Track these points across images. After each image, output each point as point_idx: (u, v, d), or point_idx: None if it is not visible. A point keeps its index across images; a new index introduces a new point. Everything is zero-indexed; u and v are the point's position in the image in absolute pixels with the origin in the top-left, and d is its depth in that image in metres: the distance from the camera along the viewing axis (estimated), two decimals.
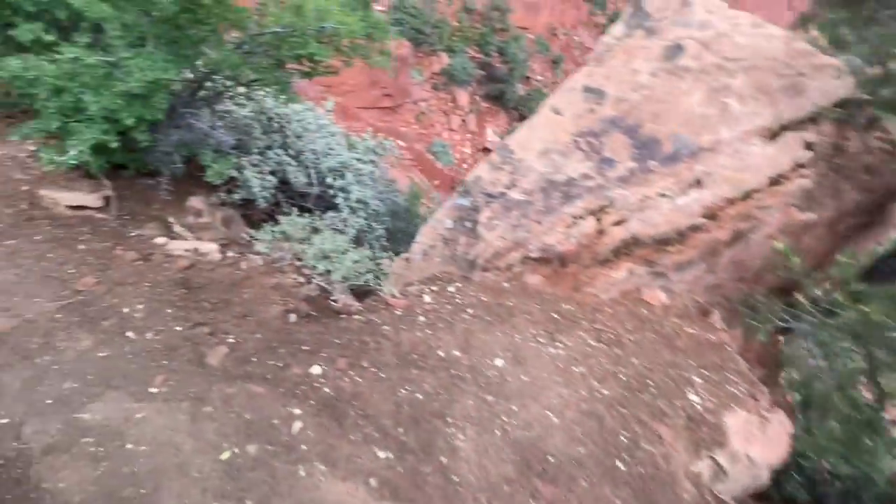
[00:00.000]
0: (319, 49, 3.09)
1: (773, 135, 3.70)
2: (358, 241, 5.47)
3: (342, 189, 5.20)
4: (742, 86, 3.65)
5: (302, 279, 3.83)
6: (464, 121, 27.70)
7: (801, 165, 3.72)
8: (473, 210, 3.79)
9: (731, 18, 3.80)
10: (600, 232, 3.64)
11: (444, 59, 27.08)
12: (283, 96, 3.52)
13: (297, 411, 2.27)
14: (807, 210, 3.95)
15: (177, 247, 3.38)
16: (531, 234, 3.61)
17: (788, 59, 3.72)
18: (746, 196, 3.65)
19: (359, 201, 5.29)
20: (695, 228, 3.70)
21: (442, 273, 3.95)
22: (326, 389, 2.42)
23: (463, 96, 27.72)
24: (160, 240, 3.40)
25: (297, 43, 3.07)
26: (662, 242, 3.73)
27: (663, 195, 3.63)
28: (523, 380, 2.90)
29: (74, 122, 2.81)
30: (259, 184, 4.51)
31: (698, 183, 3.64)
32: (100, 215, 3.48)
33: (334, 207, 5.41)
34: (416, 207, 8.22)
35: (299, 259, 3.81)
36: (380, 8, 26.14)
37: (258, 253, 3.72)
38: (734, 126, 3.63)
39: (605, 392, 2.96)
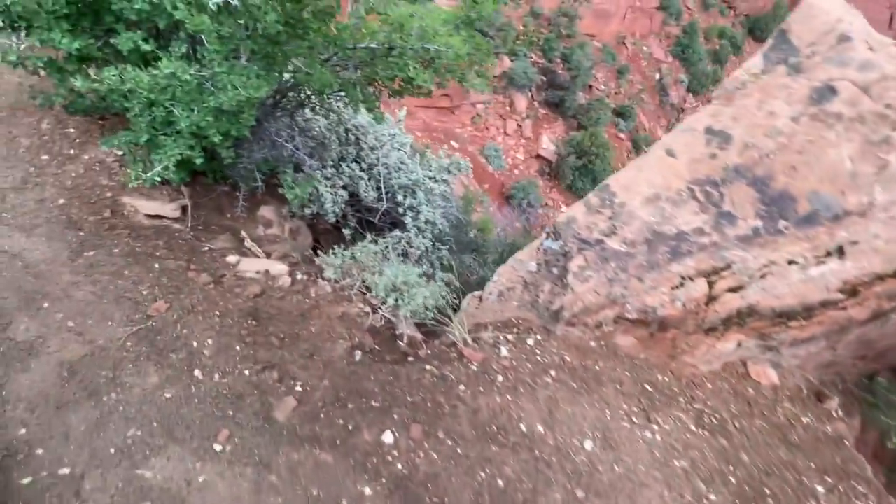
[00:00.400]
0: (419, 73, 2.82)
1: None
2: (420, 261, 5.21)
3: (411, 207, 4.96)
4: None
5: (368, 309, 3.59)
6: (520, 126, 27.10)
7: None
8: (563, 255, 3.40)
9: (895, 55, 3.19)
10: (711, 298, 3.15)
11: (506, 63, 26.57)
12: (371, 114, 3.28)
13: (368, 491, 2.00)
14: None
15: (248, 268, 3.23)
16: (629, 291, 3.18)
17: None
18: None
19: (427, 222, 5.03)
20: (827, 304, 3.13)
21: (519, 319, 3.60)
22: (399, 466, 2.14)
23: (521, 101, 27.11)
24: (232, 258, 3.26)
25: (395, 63, 2.82)
26: (784, 316, 3.19)
27: (793, 262, 3.09)
28: (616, 471, 2.50)
29: (163, 135, 2.69)
30: (331, 199, 4.34)
31: (840, 252, 3.06)
32: (176, 226, 3.39)
33: (400, 224, 5.19)
34: (470, 215, 7.91)
35: (368, 288, 3.58)
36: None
37: (327, 279, 3.52)
38: (892, 187, 3.03)
39: (714, 498, 2.50)
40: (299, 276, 3.47)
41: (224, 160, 2.96)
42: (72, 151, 3.32)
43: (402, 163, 5.18)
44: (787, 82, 3.21)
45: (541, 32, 29.21)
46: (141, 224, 3.19)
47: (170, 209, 3.32)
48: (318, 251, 5.24)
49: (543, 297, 3.52)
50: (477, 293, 3.85)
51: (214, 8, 2.22)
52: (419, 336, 3.67)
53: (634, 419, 2.82)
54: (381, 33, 2.88)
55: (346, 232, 4.99)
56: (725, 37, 35.68)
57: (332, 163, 4.58)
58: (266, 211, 4.39)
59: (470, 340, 3.26)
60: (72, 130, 3.45)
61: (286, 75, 3.00)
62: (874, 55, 3.17)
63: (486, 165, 24.19)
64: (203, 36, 2.45)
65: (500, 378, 2.85)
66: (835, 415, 3.56)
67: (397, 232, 5.04)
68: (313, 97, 3.64)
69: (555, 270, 3.47)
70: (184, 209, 3.52)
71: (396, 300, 3.50)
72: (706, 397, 3.16)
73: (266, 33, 2.36)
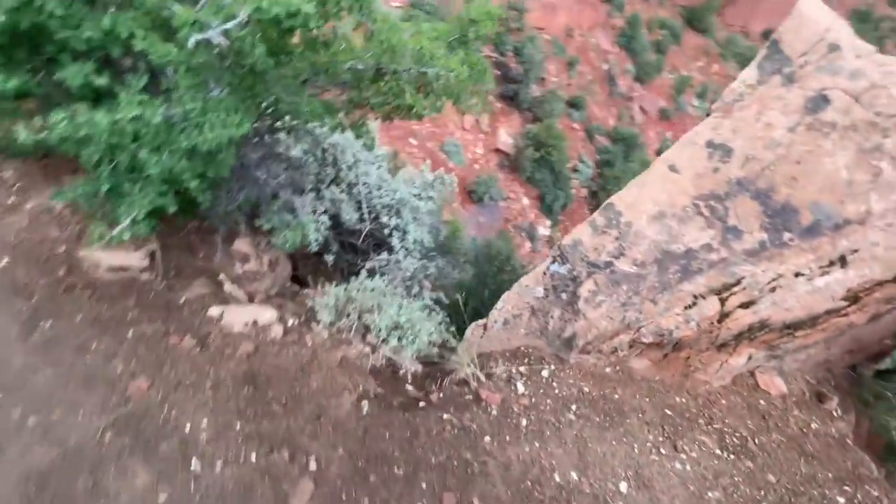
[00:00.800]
0: (418, 100, 2.56)
1: None
2: (409, 282, 4.96)
3: (397, 228, 4.69)
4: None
5: (367, 349, 3.32)
6: (477, 121, 27.09)
7: None
8: (572, 280, 3.25)
9: (884, 66, 3.22)
10: (724, 314, 3.10)
11: None
12: (361, 140, 2.99)
13: None
14: None
15: (234, 320, 2.89)
16: (644, 314, 3.08)
17: None
18: None
19: (415, 241, 4.78)
20: (831, 312, 3.15)
21: (528, 348, 3.43)
22: None
23: None
24: (214, 310, 2.90)
25: (390, 88, 2.55)
26: (792, 327, 3.19)
27: (800, 274, 3.08)
28: None
29: (128, 182, 2.31)
30: (314, 227, 4.00)
31: (842, 261, 3.07)
32: (145, 276, 2.98)
33: (385, 244, 4.91)
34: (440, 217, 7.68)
35: (366, 327, 3.30)
36: (396, 4, 25.48)
37: (320, 321, 3.21)
38: (888, 195, 3.05)
39: None
40: (291, 322, 3.15)
41: (201, 205, 2.61)
42: (11, 200, 2.84)
43: (383, 180, 4.89)
44: (783, 93, 3.18)
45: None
46: (104, 280, 2.78)
47: (137, 258, 2.91)
48: (300, 280, 4.89)
49: (553, 323, 3.37)
50: (481, 322, 3.66)
51: (192, 46, 1.88)
52: (424, 372, 3.44)
53: (662, 450, 2.73)
54: (368, 54, 2.59)
55: (329, 258, 4.67)
56: (666, 27, 37.02)
57: (311, 186, 4.24)
58: (242, 244, 4.00)
59: (483, 377, 3.06)
60: (8, 175, 2.95)
61: (269, 106, 2.67)
62: (862, 63, 3.19)
63: (447, 161, 24.01)
64: (170, 69, 2.10)
65: (523, 422, 2.67)
66: (835, 414, 3.62)
67: (385, 255, 4.76)
68: (291, 121, 3.31)
69: (564, 296, 3.33)
70: (152, 256, 3.12)
71: (400, 338, 3.25)
72: (723, 415, 3.12)
73: (251, 68, 2.05)
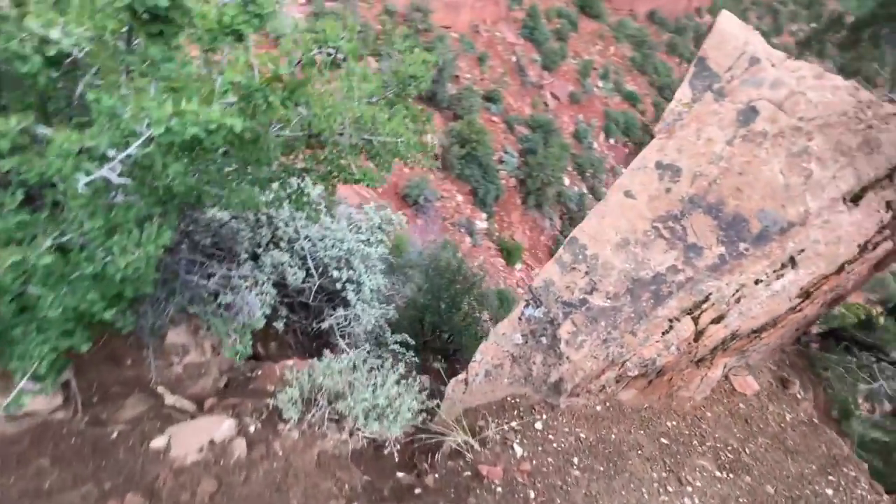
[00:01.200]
0: (366, 172, 2.27)
1: (855, 198, 3.37)
2: (370, 336, 4.65)
3: (350, 280, 4.35)
4: (821, 148, 3.26)
5: (345, 436, 3.00)
6: None
7: (885, 227, 3.42)
8: (549, 323, 3.13)
9: (795, 71, 3.40)
10: (699, 333, 3.13)
11: (373, 64, 26.10)
12: (303, 213, 2.65)
13: None
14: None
15: (185, 447, 2.44)
16: (626, 348, 3.02)
17: (857, 112, 3.38)
18: (840, 269, 3.29)
19: (372, 290, 4.47)
20: (790, 311, 3.29)
21: (514, 399, 3.27)
22: None
23: None
24: (158, 440, 2.43)
25: (330, 159, 2.24)
26: (759, 331, 3.30)
27: (759, 281, 3.18)
28: None
29: (18, 327, 1.82)
30: (258, 302, 3.57)
31: (792, 262, 3.21)
32: (60, 416, 2.44)
33: (338, 297, 4.55)
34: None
35: (340, 414, 2.97)
36: (298, 14, 24.49)
37: (287, 420, 2.84)
38: (819, 194, 3.23)
39: None
40: (253, 428, 2.75)
41: (122, 330, 2.15)
42: None
43: (326, 229, 4.52)
44: (716, 108, 3.26)
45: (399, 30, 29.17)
46: (6, 435, 2.22)
47: (45, 400, 2.37)
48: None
49: (537, 369, 3.24)
50: (461, 377, 3.44)
51: (87, 191, 1.45)
52: (410, 446, 3.17)
53: (669, 487, 2.68)
54: (299, 119, 2.26)
55: (279, 324, 4.23)
56: (562, 16, 38.90)
57: (246, 255, 3.78)
58: (176, 335, 3.47)
59: (476, 445, 2.86)
60: None
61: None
62: (778, 72, 3.35)
63: (375, 169, 23.56)
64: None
65: (531, 494, 2.50)
66: (799, 396, 3.83)
67: (341, 310, 4.41)
68: (219, 210, 2.88)
69: (544, 340, 3.20)
70: (65, 385, 2.57)
71: (379, 418, 2.95)
72: (712, 430, 3.16)
73: (166, 187, 1.65)
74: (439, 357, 5.76)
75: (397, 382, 3.02)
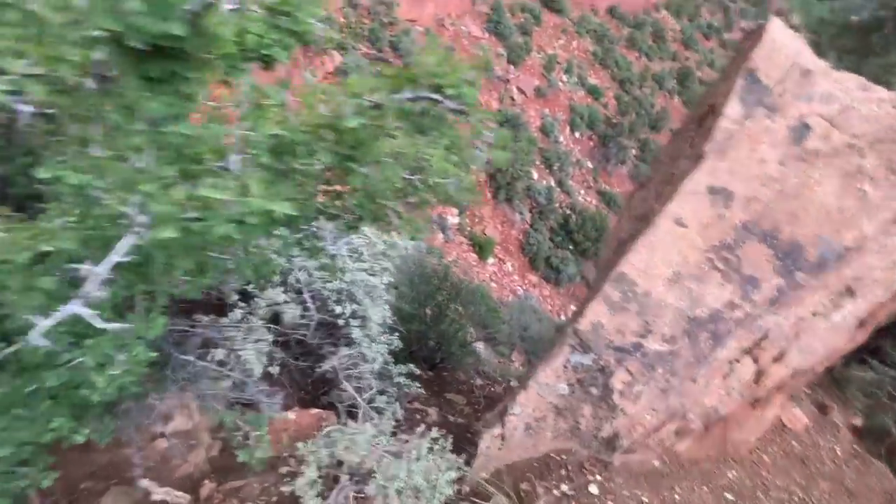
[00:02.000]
0: (409, 219, 1.80)
1: None
2: (382, 375, 4.18)
3: (354, 315, 3.86)
4: (873, 166, 3.02)
5: None
6: None
7: None
8: (600, 371, 2.77)
9: (841, 81, 3.16)
10: (760, 374, 2.86)
11: (338, 58, 25.17)
12: (328, 267, 2.16)
13: None
14: None
15: None
16: (686, 398, 2.70)
17: None
18: (895, 296, 3.10)
19: (379, 324, 3.99)
20: (849, 342, 3.08)
21: (560, 454, 2.90)
22: None
23: None
24: None
25: (360, 203, 1.76)
26: (815, 366, 3.07)
27: (817, 313, 2.93)
28: None
29: None
30: (256, 357, 3.04)
31: (850, 291, 2.98)
32: None
33: (340, 332, 4.05)
34: None
35: (365, 495, 2.51)
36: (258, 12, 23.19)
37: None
38: (874, 216, 3.00)
39: None
40: None
41: (100, 441, 1.60)
42: None
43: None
44: (768, 125, 2.96)
45: (363, 23, 28.29)
46: None
47: None
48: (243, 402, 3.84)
49: (586, 423, 2.88)
50: (496, 430, 3.03)
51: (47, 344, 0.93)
52: None
53: None
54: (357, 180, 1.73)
55: (274, 369, 3.69)
56: (526, 10, 38.88)
57: (237, 297, 3.23)
58: (166, 406, 2.89)
59: None
60: None
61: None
62: (828, 84, 3.10)
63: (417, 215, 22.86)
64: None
65: None
66: (838, 423, 3.66)
67: (344, 350, 3.90)
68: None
69: (594, 390, 2.84)
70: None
71: (416, 498, 2.51)
72: (773, 477, 2.90)
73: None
74: (425, 367, 5.42)
75: (430, 450, 2.58)
